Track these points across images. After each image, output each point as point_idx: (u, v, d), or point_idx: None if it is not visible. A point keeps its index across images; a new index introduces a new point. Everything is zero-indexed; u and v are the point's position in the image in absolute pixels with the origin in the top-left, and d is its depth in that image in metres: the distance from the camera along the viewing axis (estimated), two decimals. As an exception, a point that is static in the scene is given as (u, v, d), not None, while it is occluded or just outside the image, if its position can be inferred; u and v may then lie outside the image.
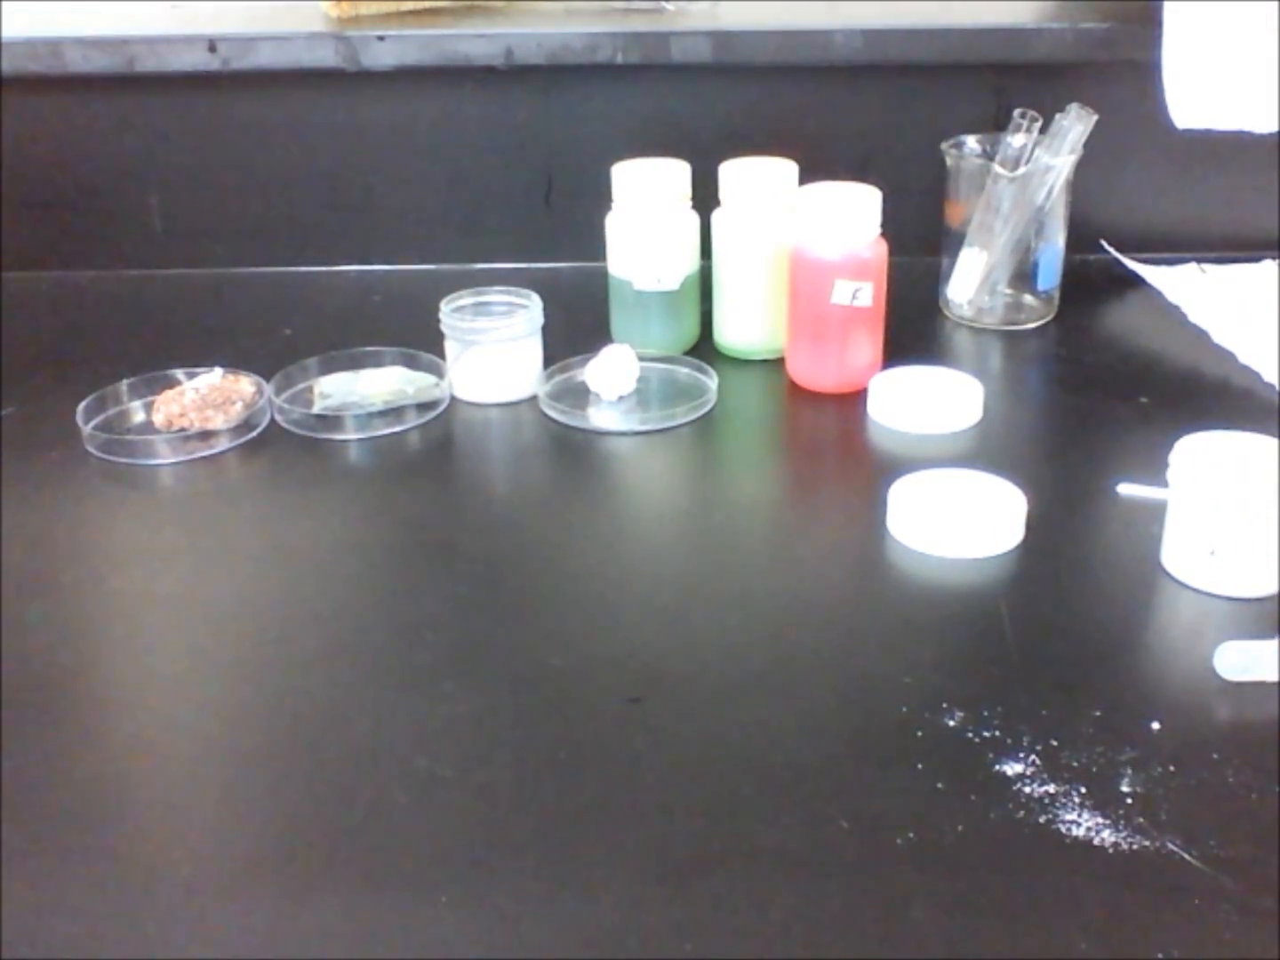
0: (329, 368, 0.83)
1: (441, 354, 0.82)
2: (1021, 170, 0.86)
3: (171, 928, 0.45)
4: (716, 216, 0.85)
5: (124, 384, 0.81)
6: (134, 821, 0.50)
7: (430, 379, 0.82)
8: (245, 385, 0.80)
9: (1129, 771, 0.50)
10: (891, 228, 0.80)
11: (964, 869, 0.46)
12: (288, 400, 0.80)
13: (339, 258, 1.03)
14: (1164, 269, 0.98)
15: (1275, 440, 0.61)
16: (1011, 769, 0.51)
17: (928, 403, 0.77)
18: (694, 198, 0.85)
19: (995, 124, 0.95)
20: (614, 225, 0.85)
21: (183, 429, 0.77)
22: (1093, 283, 0.97)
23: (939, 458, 0.72)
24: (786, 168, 0.83)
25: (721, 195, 0.84)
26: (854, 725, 0.54)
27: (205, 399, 0.78)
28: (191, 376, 0.81)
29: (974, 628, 0.60)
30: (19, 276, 1.02)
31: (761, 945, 0.44)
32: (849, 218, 0.78)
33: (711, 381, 0.81)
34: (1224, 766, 0.51)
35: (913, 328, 0.89)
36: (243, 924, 0.45)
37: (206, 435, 0.77)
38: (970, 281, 0.90)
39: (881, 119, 0.99)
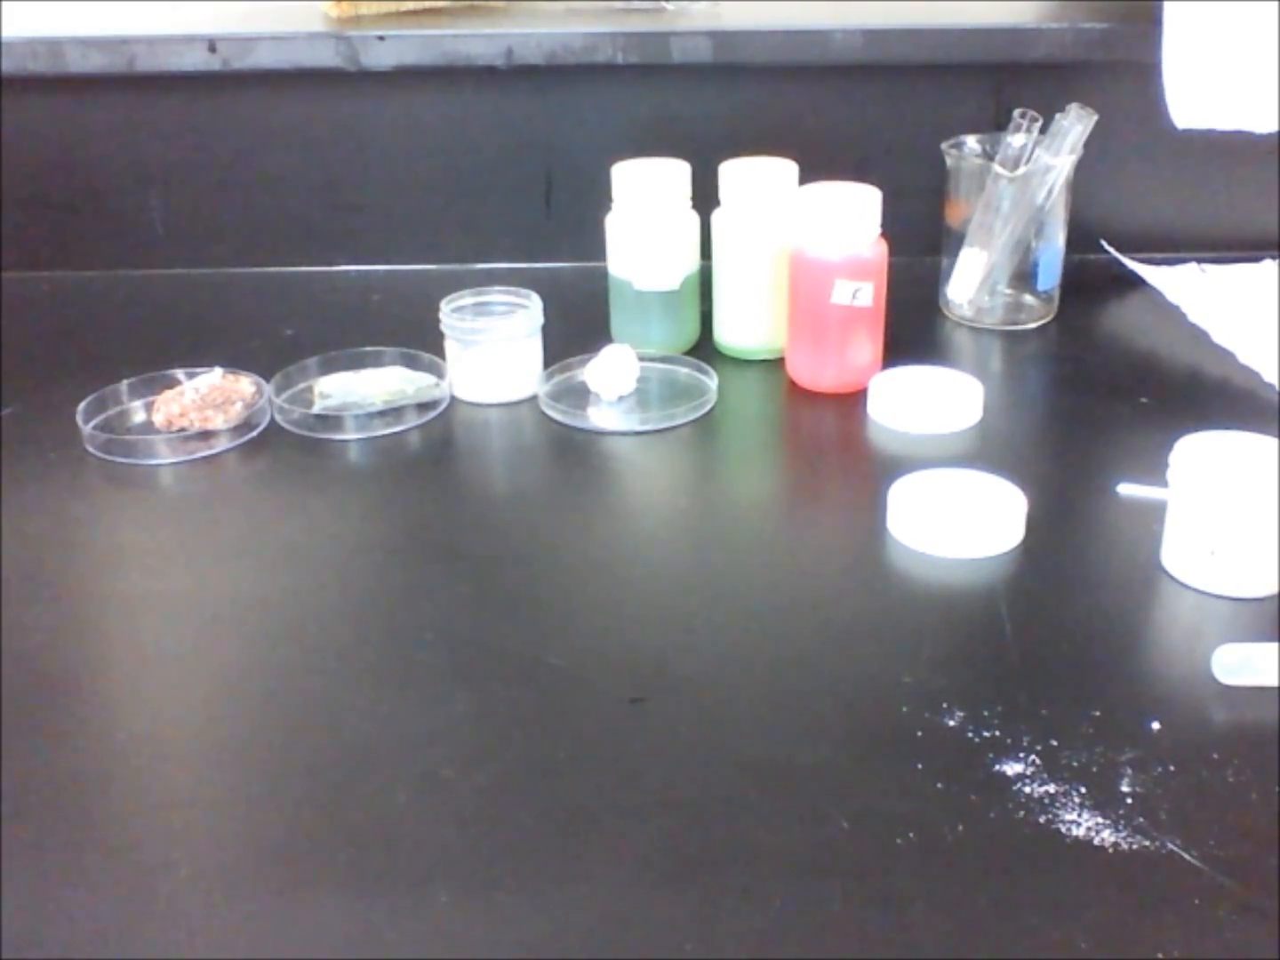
0: (329, 368, 0.83)
1: (441, 354, 0.82)
2: (1021, 170, 0.86)
3: (171, 928, 0.45)
4: (716, 216, 0.85)
5: (124, 384, 0.81)
6: (134, 821, 0.50)
7: (430, 379, 0.82)
8: (245, 385, 0.80)
9: (1129, 771, 0.50)
10: (891, 228, 0.80)
11: (964, 869, 0.46)
12: (288, 400, 0.80)
13: (339, 258, 1.03)
14: (1164, 269, 0.98)
15: (1275, 440, 0.61)
16: (1011, 769, 0.51)
17: (928, 403, 0.77)
18: (694, 198, 0.85)
19: (995, 124, 0.95)
20: (614, 225, 0.85)
21: (183, 429, 0.77)
22: (1093, 283, 0.97)
23: (939, 458, 0.72)
24: (786, 168, 0.83)
25: (721, 195, 0.84)
26: (854, 725, 0.54)
27: (205, 399, 0.78)
28: (191, 376, 0.81)
29: (974, 628, 0.60)
30: (19, 276, 1.02)
31: (761, 945, 0.44)
32: (849, 218, 0.78)
33: (711, 381, 0.81)
34: (1223, 766, 0.51)
35: (913, 328, 0.89)
36: (243, 924, 0.45)
37: (206, 435, 0.77)
38: (970, 281, 0.90)
39: (881, 119, 0.99)
